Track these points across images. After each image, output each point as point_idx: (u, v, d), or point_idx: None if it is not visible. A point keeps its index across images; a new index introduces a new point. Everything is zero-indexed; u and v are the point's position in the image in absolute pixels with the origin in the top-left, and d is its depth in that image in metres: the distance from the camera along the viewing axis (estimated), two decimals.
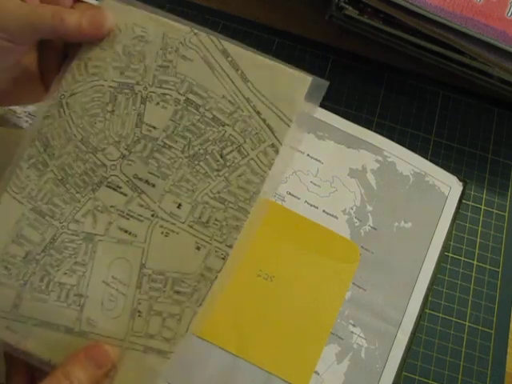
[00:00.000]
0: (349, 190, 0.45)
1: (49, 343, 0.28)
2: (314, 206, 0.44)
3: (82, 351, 0.27)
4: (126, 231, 0.29)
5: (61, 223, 0.29)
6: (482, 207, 0.47)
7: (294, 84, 0.30)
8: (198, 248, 0.29)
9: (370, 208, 0.44)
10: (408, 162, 0.46)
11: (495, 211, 0.47)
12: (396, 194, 0.45)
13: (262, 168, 0.30)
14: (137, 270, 0.29)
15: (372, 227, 0.44)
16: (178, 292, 0.29)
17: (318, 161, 0.46)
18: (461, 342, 0.42)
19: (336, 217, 0.44)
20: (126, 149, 0.30)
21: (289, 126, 0.30)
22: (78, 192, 0.30)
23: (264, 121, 0.30)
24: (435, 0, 0.42)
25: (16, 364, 0.30)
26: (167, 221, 0.29)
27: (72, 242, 0.29)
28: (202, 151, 0.30)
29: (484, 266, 0.45)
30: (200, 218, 0.29)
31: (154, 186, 0.30)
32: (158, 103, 0.30)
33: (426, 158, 0.47)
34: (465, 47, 0.44)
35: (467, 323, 0.43)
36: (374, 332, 0.41)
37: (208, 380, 0.38)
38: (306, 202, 0.44)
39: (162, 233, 0.29)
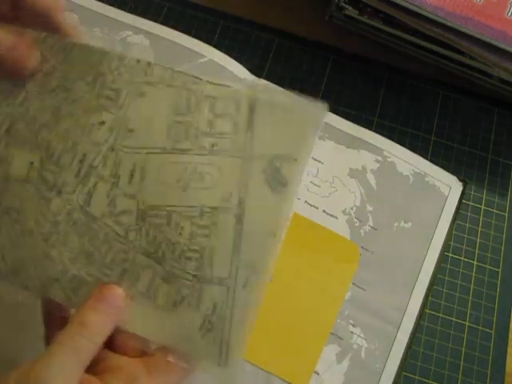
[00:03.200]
0: (349, 190, 0.45)
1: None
2: (314, 206, 0.44)
3: (93, 295, 0.27)
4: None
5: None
6: (482, 207, 0.47)
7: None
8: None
9: (370, 208, 0.44)
10: (408, 162, 0.46)
11: (495, 211, 0.47)
12: (396, 194, 0.45)
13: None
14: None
15: (372, 227, 0.44)
16: None
17: (318, 161, 0.46)
18: (461, 342, 0.42)
19: (336, 217, 0.44)
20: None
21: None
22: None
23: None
24: (435, 0, 0.42)
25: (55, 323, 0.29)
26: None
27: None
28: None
29: (484, 265, 0.45)
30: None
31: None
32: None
33: (426, 158, 0.47)
34: (465, 47, 0.44)
35: (467, 323, 0.43)
36: (374, 332, 0.41)
37: (208, 380, 0.38)
38: (305, 202, 0.44)
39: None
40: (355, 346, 0.40)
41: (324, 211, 0.44)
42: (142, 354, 0.28)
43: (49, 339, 0.29)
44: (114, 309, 0.27)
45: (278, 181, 0.28)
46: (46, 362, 0.24)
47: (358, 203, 0.44)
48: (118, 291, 0.27)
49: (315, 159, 0.46)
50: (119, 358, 0.28)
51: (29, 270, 0.28)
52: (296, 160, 0.28)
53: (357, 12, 0.46)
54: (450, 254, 0.45)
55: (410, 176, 0.46)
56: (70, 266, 0.28)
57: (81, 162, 0.28)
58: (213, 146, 0.28)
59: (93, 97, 0.29)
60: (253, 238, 0.28)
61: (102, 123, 0.28)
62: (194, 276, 0.27)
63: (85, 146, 0.28)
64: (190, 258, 0.28)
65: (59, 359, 0.24)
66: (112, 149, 0.28)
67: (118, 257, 0.28)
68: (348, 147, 0.46)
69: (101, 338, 0.26)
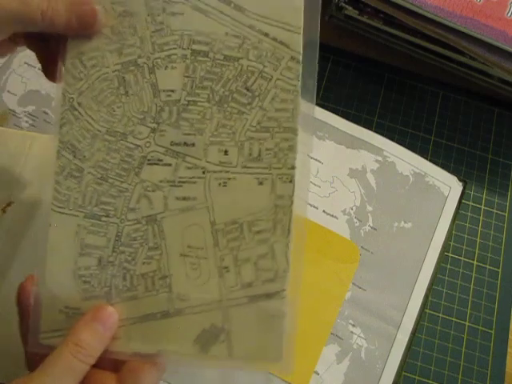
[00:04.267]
0: (349, 190, 0.45)
1: (151, 335, 0.28)
2: (314, 206, 0.44)
3: (88, 315, 0.27)
4: (184, 198, 0.29)
5: (118, 218, 0.29)
6: (482, 207, 0.47)
7: None
8: (261, 183, 0.29)
9: (370, 208, 0.44)
10: (408, 162, 0.46)
11: (495, 211, 0.47)
12: (396, 194, 0.45)
13: (291, 83, 0.29)
14: (209, 230, 0.29)
15: (372, 227, 0.44)
16: (258, 232, 0.28)
17: (318, 161, 0.46)
18: (461, 342, 0.42)
19: (336, 217, 0.44)
20: (153, 122, 0.29)
21: (300, 33, 0.29)
22: (122, 182, 0.29)
23: (275, 39, 0.29)
24: (435, 0, 0.42)
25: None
26: (220, 172, 0.29)
27: (137, 231, 0.29)
28: (227, 93, 0.29)
29: (484, 265, 0.45)
30: (250, 154, 0.29)
31: (193, 145, 0.29)
32: (166, 67, 0.30)
33: (426, 158, 0.47)
34: (465, 47, 0.44)
35: (467, 323, 0.43)
36: (373, 332, 0.41)
37: (208, 380, 0.38)
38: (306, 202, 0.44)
39: (220, 184, 0.29)
40: (355, 346, 0.40)
41: (324, 211, 0.44)
42: (114, 366, 0.28)
43: (29, 361, 0.29)
44: (108, 330, 0.27)
45: None
46: (42, 382, 0.24)
47: (357, 203, 0.44)
48: (113, 312, 0.27)
49: (315, 159, 0.46)
50: (95, 371, 0.28)
51: None
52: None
53: (357, 12, 0.46)
54: (450, 254, 0.45)
55: (410, 176, 0.46)
56: None
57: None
58: None
59: None
60: None
61: None
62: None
63: None
64: None
65: (56, 379, 0.25)
66: None
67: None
68: (348, 147, 0.46)
69: (94, 359, 0.26)
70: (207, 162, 0.29)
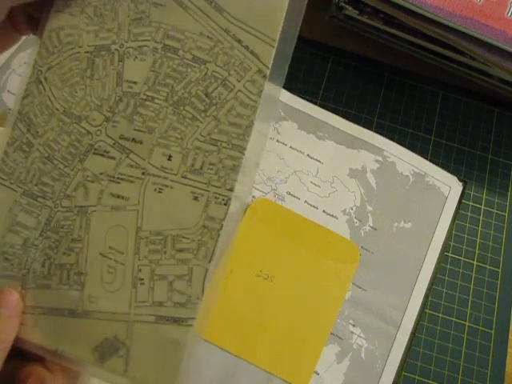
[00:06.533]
0: (349, 190, 0.45)
1: (54, 331, 0.27)
2: (314, 206, 0.44)
3: None
4: (118, 196, 0.28)
5: (54, 202, 0.28)
6: (482, 207, 0.47)
7: (273, 2, 0.29)
8: (196, 198, 0.27)
9: (370, 208, 0.44)
10: (408, 162, 0.46)
11: (495, 211, 0.47)
12: (396, 194, 0.45)
13: (252, 97, 0.28)
14: (133, 235, 0.27)
15: (372, 227, 0.44)
16: (180, 250, 0.27)
17: (318, 161, 0.46)
18: (461, 342, 0.42)
19: (336, 217, 0.44)
20: (108, 111, 0.28)
21: (273, 47, 0.28)
22: (66, 166, 0.28)
23: (247, 48, 0.28)
24: (435, 0, 0.42)
25: None
26: (159, 176, 0.28)
27: (67, 220, 0.28)
28: (186, 95, 0.28)
29: (484, 265, 0.45)
30: (193, 165, 0.28)
31: (141, 142, 0.28)
32: (135, 57, 0.29)
33: (426, 158, 0.47)
34: (465, 47, 0.44)
35: (467, 323, 0.43)
36: (373, 332, 0.41)
37: (208, 380, 0.38)
38: (305, 202, 0.44)
39: (156, 190, 0.27)
40: (355, 346, 0.40)
41: (324, 211, 0.44)
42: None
43: None
44: (16, 312, 0.26)
45: None
46: None
47: (357, 203, 0.44)
48: (16, 295, 0.27)
49: (315, 159, 0.46)
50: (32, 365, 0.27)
51: None
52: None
53: (357, 12, 0.46)
54: (450, 254, 0.45)
55: (410, 176, 0.46)
56: None
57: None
58: None
59: None
60: None
61: None
62: None
63: None
64: None
65: None
66: None
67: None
68: (348, 147, 0.46)
69: (7, 344, 0.26)
70: (149, 163, 0.28)
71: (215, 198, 0.27)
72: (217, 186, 0.27)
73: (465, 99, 0.51)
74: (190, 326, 0.26)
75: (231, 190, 0.27)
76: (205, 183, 0.27)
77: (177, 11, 0.29)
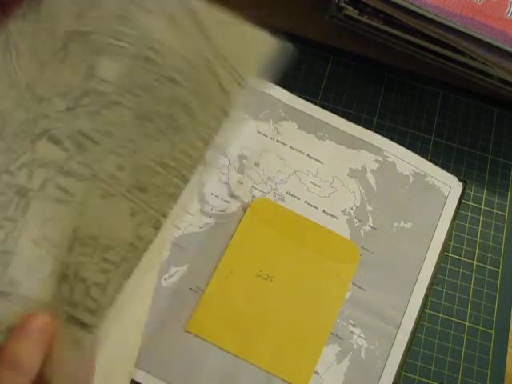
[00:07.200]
0: (349, 190, 0.45)
1: None
2: (314, 206, 0.44)
3: (21, 326, 0.25)
4: (63, 189, 0.27)
5: None
6: (482, 207, 0.47)
7: (258, 46, 0.28)
8: (133, 214, 0.27)
9: (370, 208, 0.44)
10: (408, 162, 0.46)
11: (495, 211, 0.47)
12: (396, 194, 0.45)
13: (209, 132, 0.28)
14: (70, 232, 0.27)
15: (372, 227, 0.44)
16: (105, 260, 0.27)
17: (318, 161, 0.46)
18: (461, 342, 0.42)
19: (336, 217, 0.44)
20: (72, 101, 0.28)
21: (243, 89, 0.28)
22: (15, 141, 0.27)
23: (220, 84, 0.28)
24: (435, 0, 0.42)
25: None
26: (106, 182, 0.27)
27: (3, 195, 0.27)
28: (152, 111, 0.28)
29: (484, 265, 0.45)
30: (139, 182, 0.27)
31: (98, 144, 0.28)
32: (113, 56, 0.28)
33: (426, 158, 0.47)
34: (465, 47, 0.44)
35: (467, 323, 0.43)
36: (373, 332, 0.41)
37: (208, 380, 0.38)
38: (305, 202, 0.44)
39: (101, 195, 0.27)
40: (355, 346, 0.40)
41: (324, 211, 0.44)
42: None
43: None
44: (45, 339, 0.26)
45: None
46: None
47: (357, 203, 0.44)
48: (47, 318, 0.26)
49: (315, 159, 0.46)
50: None
51: None
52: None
53: (357, 12, 0.46)
54: (450, 254, 0.45)
55: (410, 176, 0.46)
56: None
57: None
58: None
59: None
60: None
61: None
62: None
63: None
64: None
65: None
66: None
67: None
68: (348, 147, 0.46)
69: (34, 373, 0.25)
70: (101, 168, 0.27)
71: (149, 220, 0.27)
72: (154, 209, 0.27)
73: (465, 99, 0.51)
74: (91, 333, 0.26)
75: (165, 216, 0.27)
76: (144, 202, 0.27)
77: (164, 23, 0.28)
